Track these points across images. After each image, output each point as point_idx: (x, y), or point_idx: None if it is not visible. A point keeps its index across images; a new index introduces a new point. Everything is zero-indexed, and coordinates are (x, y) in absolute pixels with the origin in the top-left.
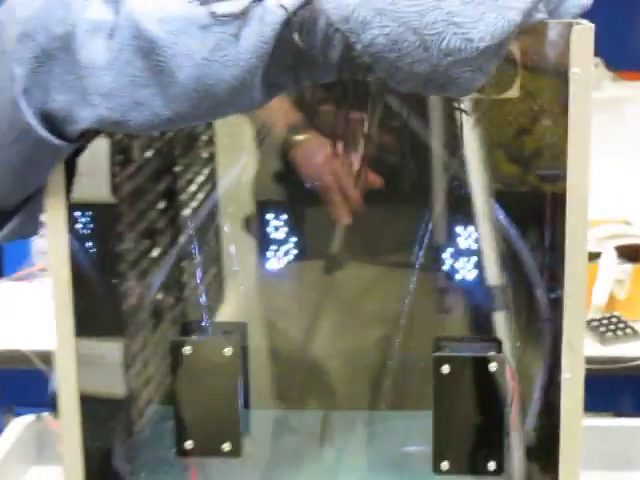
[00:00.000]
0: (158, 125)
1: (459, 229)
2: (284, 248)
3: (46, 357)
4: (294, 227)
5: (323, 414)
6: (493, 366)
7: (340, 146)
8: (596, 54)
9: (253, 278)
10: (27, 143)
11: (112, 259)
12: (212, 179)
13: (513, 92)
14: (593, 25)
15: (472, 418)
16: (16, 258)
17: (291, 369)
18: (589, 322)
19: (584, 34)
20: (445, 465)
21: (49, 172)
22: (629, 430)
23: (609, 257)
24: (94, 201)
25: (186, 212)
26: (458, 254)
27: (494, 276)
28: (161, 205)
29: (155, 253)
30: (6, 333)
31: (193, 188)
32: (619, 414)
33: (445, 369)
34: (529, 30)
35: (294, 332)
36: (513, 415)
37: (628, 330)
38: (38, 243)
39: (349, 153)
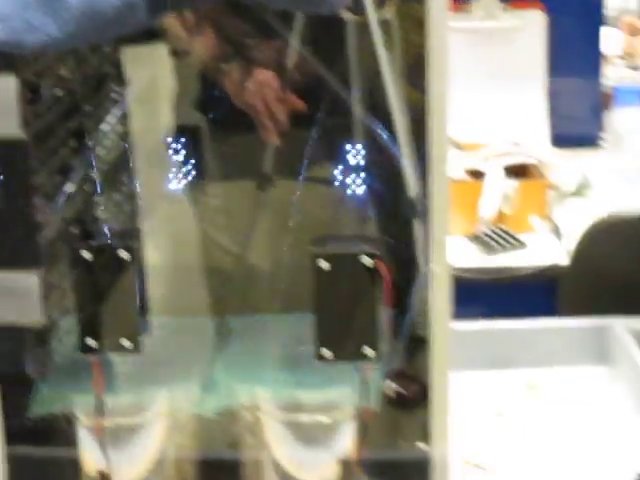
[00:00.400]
0: (51, 46)
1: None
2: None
3: None
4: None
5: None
6: (368, 261)
7: (265, 72)
8: None
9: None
10: None
11: (25, 193)
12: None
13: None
14: None
15: (350, 309)
16: None
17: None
18: (478, 235)
19: None
20: (326, 352)
21: None
22: (509, 332)
23: (496, 173)
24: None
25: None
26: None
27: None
28: (72, 143)
29: (69, 188)
30: None
31: (105, 125)
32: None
33: (324, 265)
34: None
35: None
36: (386, 305)
37: (514, 241)
38: None
39: (274, 79)
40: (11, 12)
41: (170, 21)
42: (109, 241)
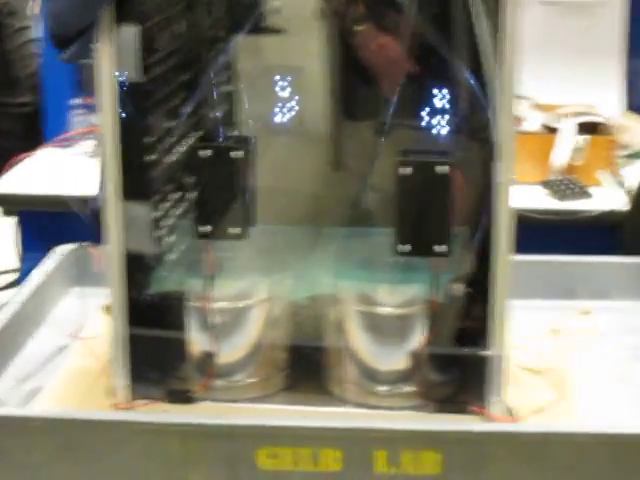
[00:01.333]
0: None
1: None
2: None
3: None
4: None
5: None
6: (443, 169)
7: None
8: None
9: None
10: None
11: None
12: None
13: None
14: None
15: (427, 210)
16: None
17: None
18: (549, 182)
19: None
20: (404, 247)
21: (102, 7)
22: (570, 264)
23: (568, 128)
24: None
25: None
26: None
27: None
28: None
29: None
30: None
31: None
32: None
33: (406, 171)
34: None
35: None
36: (459, 209)
37: (582, 190)
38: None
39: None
40: None
41: None
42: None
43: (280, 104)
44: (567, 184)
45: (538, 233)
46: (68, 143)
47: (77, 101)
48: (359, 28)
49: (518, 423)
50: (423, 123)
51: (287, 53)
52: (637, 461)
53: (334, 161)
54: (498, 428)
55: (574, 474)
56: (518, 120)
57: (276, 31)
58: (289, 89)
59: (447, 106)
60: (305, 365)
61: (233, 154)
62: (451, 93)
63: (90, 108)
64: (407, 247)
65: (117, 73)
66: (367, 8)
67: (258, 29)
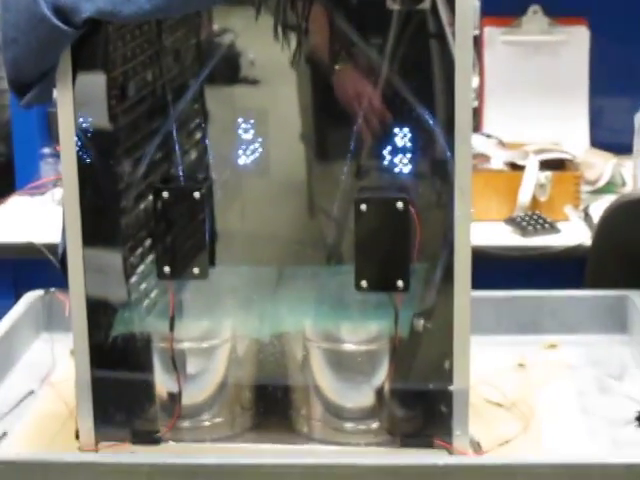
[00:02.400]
0: (141, 17)
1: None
2: None
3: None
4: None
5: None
6: (400, 205)
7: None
8: (535, 2)
9: None
10: (43, 30)
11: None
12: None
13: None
14: None
15: (386, 245)
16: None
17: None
18: (514, 219)
19: None
20: (364, 283)
21: (60, 53)
22: (537, 299)
23: (533, 165)
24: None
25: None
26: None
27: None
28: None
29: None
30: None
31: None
32: None
33: (364, 207)
34: None
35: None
36: (416, 244)
37: (547, 226)
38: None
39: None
40: None
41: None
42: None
43: (245, 147)
44: (536, 220)
45: (503, 269)
46: (38, 191)
47: (47, 150)
48: (338, 67)
49: (482, 456)
50: (385, 162)
51: (259, 99)
52: None
53: (305, 202)
54: (462, 461)
55: None
56: (484, 158)
57: (251, 82)
58: (255, 133)
59: (408, 145)
60: (271, 404)
61: (193, 194)
62: (412, 132)
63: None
64: (367, 283)
65: (81, 119)
66: (344, 49)
67: (232, 80)
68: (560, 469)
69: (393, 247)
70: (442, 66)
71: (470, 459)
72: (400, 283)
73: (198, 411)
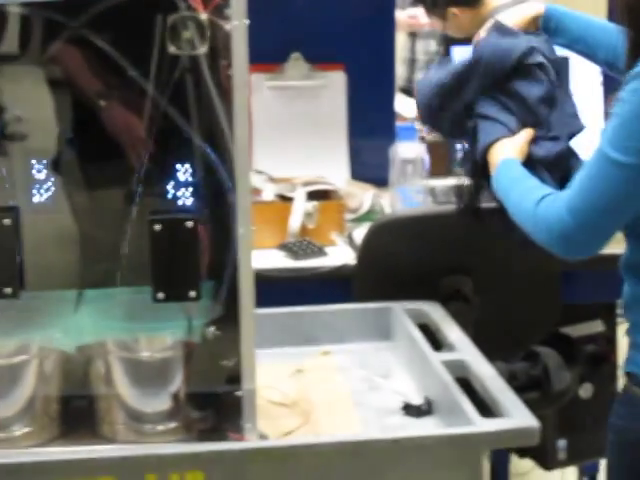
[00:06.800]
0: None
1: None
2: None
3: None
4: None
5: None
6: (189, 224)
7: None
8: (296, 50)
9: None
10: None
11: None
12: None
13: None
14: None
15: (178, 260)
16: None
17: None
18: (286, 244)
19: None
20: (161, 294)
21: None
22: (313, 313)
23: (300, 196)
24: None
25: None
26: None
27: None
28: None
29: None
30: None
31: None
32: None
33: (157, 227)
34: None
35: None
36: (206, 259)
37: (316, 249)
38: None
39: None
40: None
41: None
42: None
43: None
44: (306, 245)
45: (281, 289)
46: None
47: None
48: (103, 104)
49: (268, 440)
50: (169, 194)
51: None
52: (369, 464)
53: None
54: (253, 445)
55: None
56: (256, 192)
57: (19, 138)
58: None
59: (190, 177)
60: (77, 413)
61: (3, 221)
62: (192, 164)
63: None
64: (163, 294)
65: None
66: (108, 86)
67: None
68: (339, 446)
69: (185, 261)
70: (221, 106)
71: (260, 442)
72: (192, 293)
73: (9, 424)
